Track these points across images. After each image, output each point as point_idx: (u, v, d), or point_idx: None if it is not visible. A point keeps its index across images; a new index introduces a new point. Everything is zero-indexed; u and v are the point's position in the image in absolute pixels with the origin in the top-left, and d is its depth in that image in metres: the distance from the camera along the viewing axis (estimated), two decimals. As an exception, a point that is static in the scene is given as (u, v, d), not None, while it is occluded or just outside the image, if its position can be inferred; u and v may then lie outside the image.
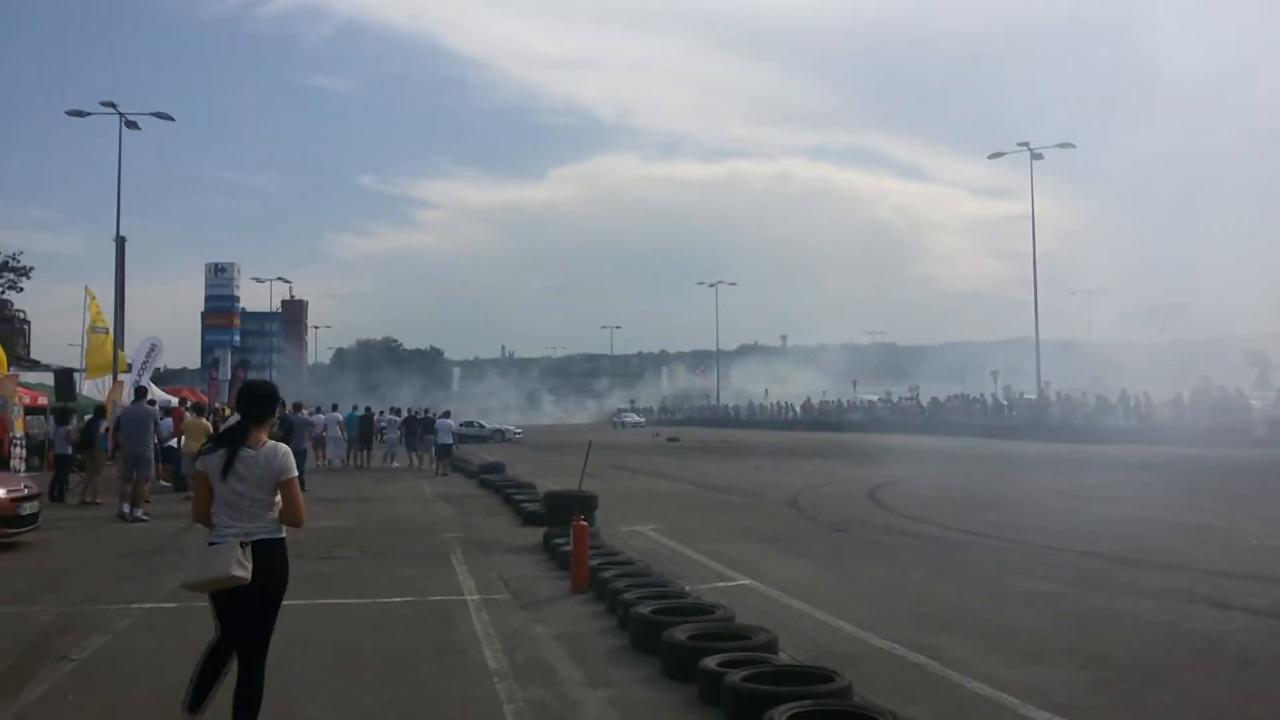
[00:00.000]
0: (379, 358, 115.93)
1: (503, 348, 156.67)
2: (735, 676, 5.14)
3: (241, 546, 4.36)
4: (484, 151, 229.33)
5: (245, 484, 4.42)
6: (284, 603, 4.62)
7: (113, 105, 32.46)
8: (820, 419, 67.45)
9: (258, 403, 4.68)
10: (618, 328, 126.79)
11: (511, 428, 54.44)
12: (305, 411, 24.14)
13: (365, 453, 27.95)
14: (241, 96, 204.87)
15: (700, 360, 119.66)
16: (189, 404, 25.03)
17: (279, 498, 4.51)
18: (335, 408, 29.32)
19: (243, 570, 4.32)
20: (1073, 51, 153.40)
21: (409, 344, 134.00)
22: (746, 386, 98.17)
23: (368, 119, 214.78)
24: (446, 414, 28.10)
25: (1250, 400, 35.67)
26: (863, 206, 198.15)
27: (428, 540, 12.29)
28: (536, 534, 11.82)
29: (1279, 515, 13.29)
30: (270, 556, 4.46)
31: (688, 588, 8.23)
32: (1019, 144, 48.93)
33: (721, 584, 9.17)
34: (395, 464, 27.49)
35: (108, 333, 29.42)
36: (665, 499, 18.02)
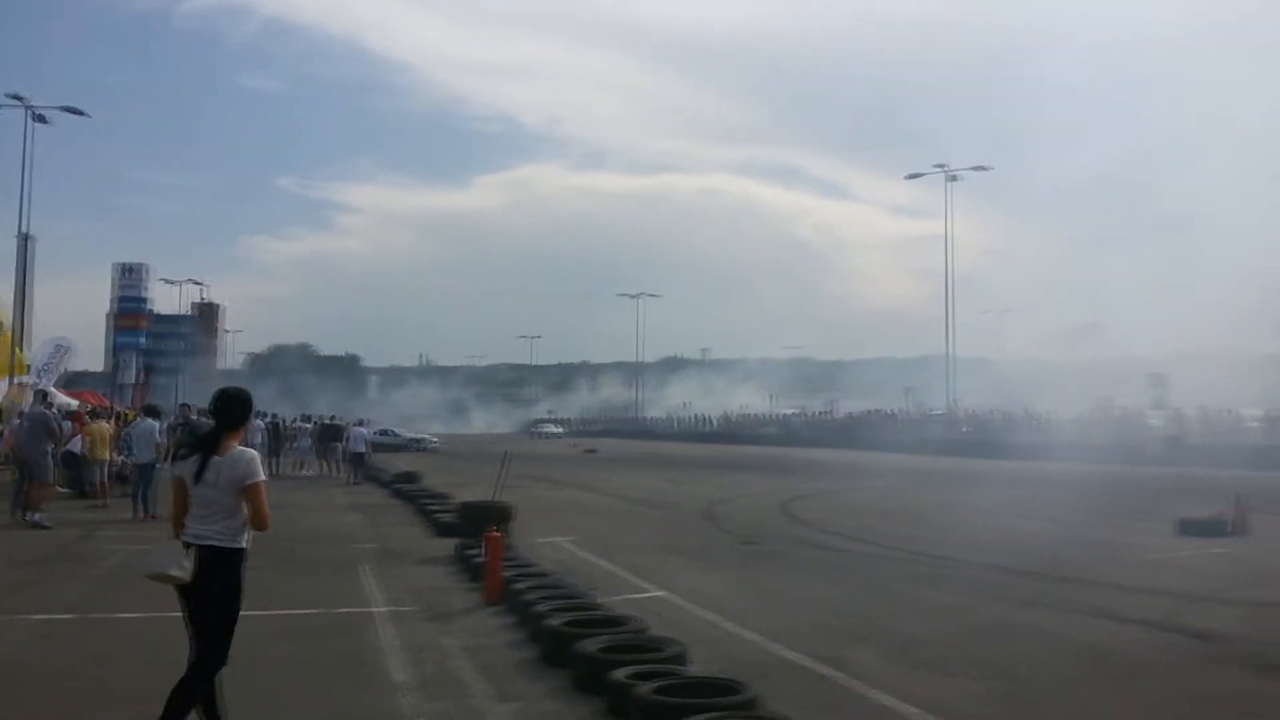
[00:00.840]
0: (294, 363, 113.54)
1: (421, 355, 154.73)
2: (644, 688, 5.14)
3: (186, 547, 4.47)
4: (408, 157, 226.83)
5: (212, 489, 4.53)
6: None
7: (19, 98, 31.35)
8: (739, 432, 68.15)
9: (230, 409, 4.77)
10: (538, 337, 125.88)
11: (429, 437, 53.70)
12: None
13: (275, 460, 27.37)
14: (160, 94, 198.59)
15: (623, 372, 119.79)
16: (89, 408, 24.18)
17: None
18: (261, 415, 28.82)
19: (180, 571, 4.41)
20: (991, 75, 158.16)
21: (326, 350, 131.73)
22: (667, 399, 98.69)
23: (289, 120, 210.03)
24: (361, 422, 27.71)
25: (1149, 420, 37.13)
26: (786, 223, 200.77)
27: (337, 551, 12.06)
28: (450, 545, 11.66)
29: (1172, 530, 13.77)
30: (218, 563, 4.49)
31: (601, 600, 8.21)
32: (935, 165, 50.42)
33: (635, 596, 9.18)
34: (306, 472, 26.95)
35: (3, 331, 28.29)
36: (582, 510, 17.98)
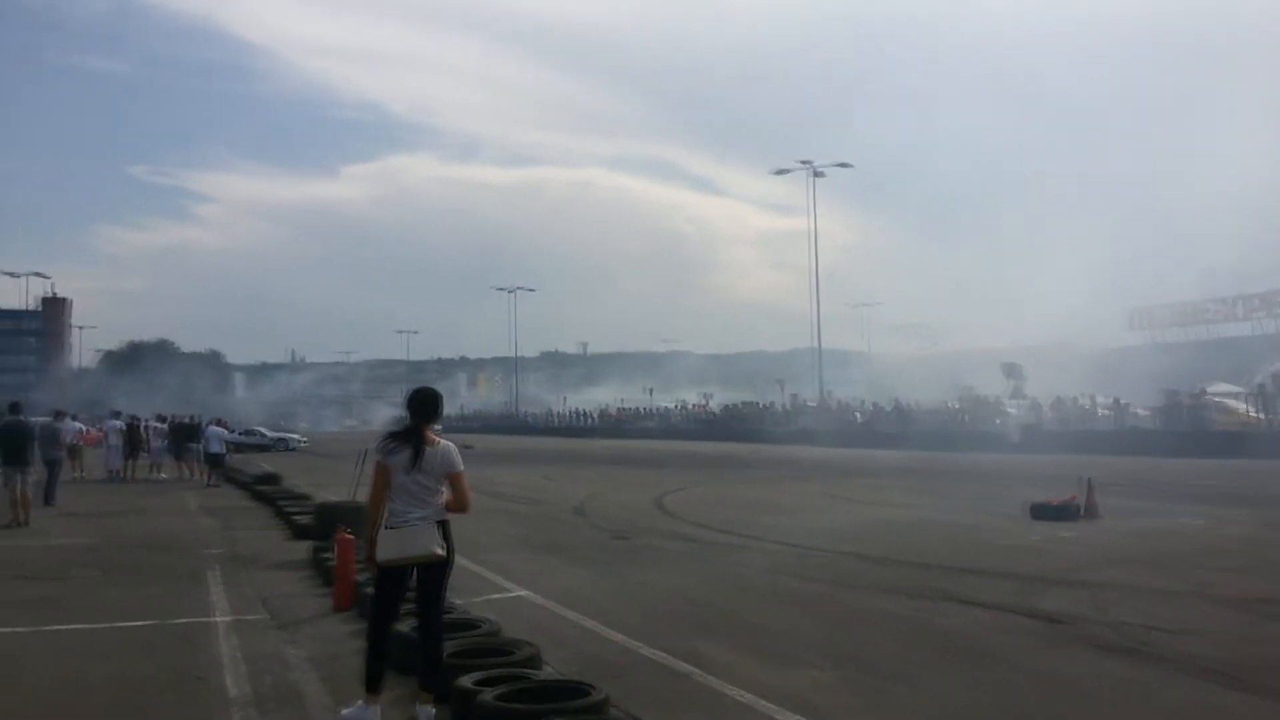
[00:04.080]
0: (153, 361, 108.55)
1: (292, 352, 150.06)
2: (488, 695, 4.96)
3: (436, 526, 5.17)
4: (269, 145, 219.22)
5: (425, 476, 5.20)
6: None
7: None
8: (617, 426, 68.28)
9: (427, 406, 5.36)
10: (415, 333, 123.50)
11: (296, 435, 52.05)
12: (69, 419, 22.42)
13: (131, 463, 25.97)
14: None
15: (500, 367, 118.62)
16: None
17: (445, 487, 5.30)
18: (118, 415, 27.32)
19: (440, 548, 5.17)
20: (863, 72, 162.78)
21: (186, 346, 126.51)
22: (545, 394, 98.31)
23: (140, 104, 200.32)
24: (219, 421, 26.56)
25: (1007, 408, 38.72)
26: (660, 217, 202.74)
27: (183, 557, 11.44)
28: (306, 549, 11.23)
29: (1025, 515, 14.26)
30: (446, 534, 5.27)
31: (459, 601, 7.96)
32: (801, 162, 51.48)
33: (496, 596, 8.96)
34: (161, 475, 25.66)
35: None
36: (451, 508, 17.58)
